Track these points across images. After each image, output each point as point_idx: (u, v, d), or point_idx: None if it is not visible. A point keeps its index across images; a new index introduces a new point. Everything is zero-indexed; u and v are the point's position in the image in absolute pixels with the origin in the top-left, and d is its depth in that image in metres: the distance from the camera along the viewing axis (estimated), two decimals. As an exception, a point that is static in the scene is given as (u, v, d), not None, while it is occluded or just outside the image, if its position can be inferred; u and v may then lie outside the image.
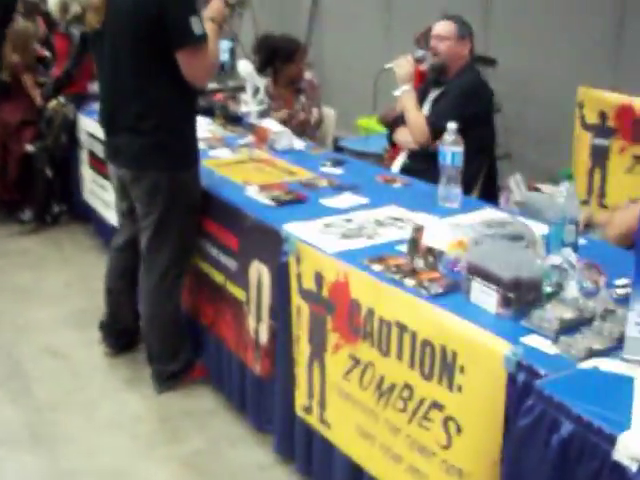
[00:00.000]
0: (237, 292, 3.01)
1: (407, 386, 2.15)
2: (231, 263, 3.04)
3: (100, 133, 4.37)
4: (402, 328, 2.13)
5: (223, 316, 3.15)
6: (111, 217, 4.63)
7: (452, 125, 2.91)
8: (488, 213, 2.89)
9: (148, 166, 3.05)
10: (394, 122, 4.17)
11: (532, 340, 1.91)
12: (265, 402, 2.98)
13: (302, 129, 4.44)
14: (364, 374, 2.31)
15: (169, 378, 3.37)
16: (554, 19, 5.55)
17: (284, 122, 4.24)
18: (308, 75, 4.70)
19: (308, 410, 2.64)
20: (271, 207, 2.95)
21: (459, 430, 2.00)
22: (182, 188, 3.09)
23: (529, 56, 5.72)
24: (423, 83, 4.22)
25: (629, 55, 5.23)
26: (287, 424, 2.81)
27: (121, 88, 3.03)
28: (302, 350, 2.62)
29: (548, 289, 2.09)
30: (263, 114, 4.36)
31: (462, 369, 1.96)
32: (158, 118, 3.02)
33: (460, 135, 3.72)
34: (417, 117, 3.84)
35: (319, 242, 2.54)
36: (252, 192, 3.09)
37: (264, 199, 3.01)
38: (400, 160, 4.06)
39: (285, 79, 4.63)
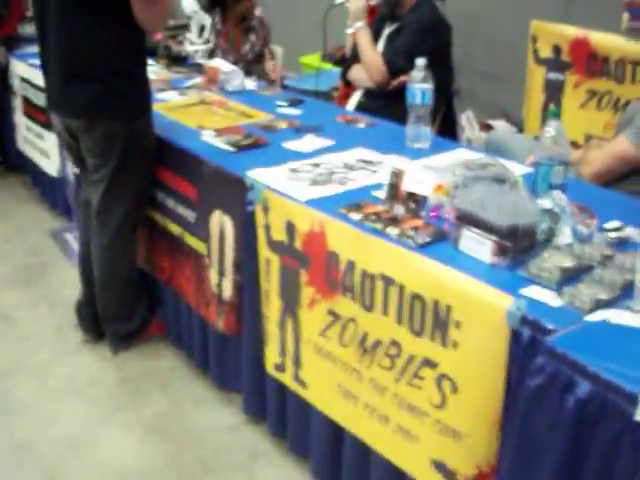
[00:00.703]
0: (197, 244, 2.81)
1: (394, 343, 2.01)
2: (189, 214, 2.83)
3: (36, 79, 4.09)
4: (388, 281, 1.97)
5: (181, 270, 2.95)
6: (48, 166, 4.37)
7: (420, 61, 2.73)
8: (461, 153, 2.74)
9: (101, 115, 2.77)
10: (347, 60, 3.98)
11: (533, 291, 1.77)
12: (229, 360, 2.83)
13: (251, 68, 4.21)
14: (344, 330, 2.16)
15: (125, 337, 3.18)
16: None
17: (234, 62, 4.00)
18: (258, 12, 4.44)
19: (280, 368, 2.48)
20: (230, 152, 2.75)
21: (455, 389, 1.87)
22: (138, 136, 2.85)
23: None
24: (375, 19, 4.02)
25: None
26: (256, 383, 2.66)
27: (67, 31, 2.73)
28: (272, 305, 2.45)
29: (542, 235, 1.96)
30: (209, 53, 4.12)
31: (458, 324, 1.82)
32: (109, 62, 2.74)
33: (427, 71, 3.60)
34: (373, 55, 3.66)
35: (288, 189, 2.36)
36: (208, 137, 2.88)
37: (222, 144, 2.80)
38: (355, 99, 3.89)
39: (235, 16, 4.37)
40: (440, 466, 1.98)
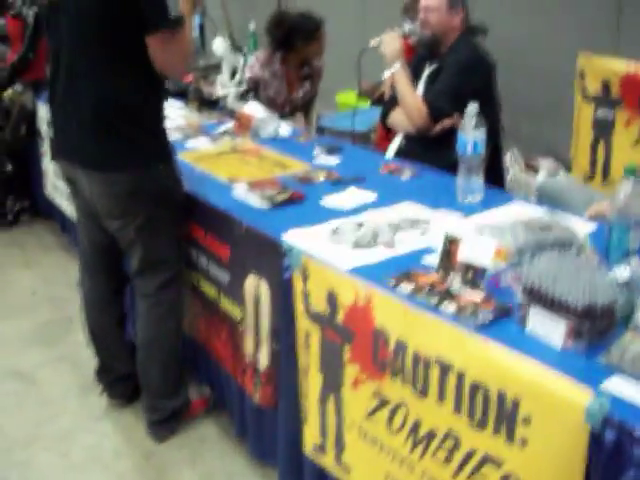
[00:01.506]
0: (232, 308, 2.60)
1: (451, 435, 1.77)
2: (222, 275, 2.62)
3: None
4: (445, 367, 1.74)
5: (218, 334, 2.74)
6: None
7: (472, 108, 2.51)
8: (516, 208, 2.51)
9: (119, 167, 2.53)
10: (386, 104, 3.77)
11: (616, 384, 1.52)
12: (267, 431, 2.60)
13: (292, 112, 4.05)
14: (394, 416, 1.93)
15: (171, 418, 2.88)
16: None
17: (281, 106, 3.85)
18: (317, 62, 4.28)
19: (320, 449, 2.25)
20: (265, 210, 2.54)
21: (523, 492, 1.63)
22: (163, 185, 2.61)
23: (521, 23, 5.35)
24: (413, 58, 3.82)
25: (630, 20, 4.87)
26: (293, 461, 2.42)
27: (79, 70, 2.51)
28: (312, 381, 2.22)
29: (620, 313, 1.72)
30: (241, 97, 3.94)
31: (526, 420, 1.58)
32: (121, 107, 2.51)
33: (461, 116, 3.38)
34: (413, 99, 3.44)
35: (329, 255, 2.14)
36: (241, 191, 2.67)
37: (255, 200, 2.59)
38: (395, 144, 3.67)
39: (299, 60, 4.20)
40: None
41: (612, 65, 4.42)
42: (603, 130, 4.59)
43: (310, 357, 2.21)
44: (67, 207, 4.34)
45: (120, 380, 3.02)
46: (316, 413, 2.23)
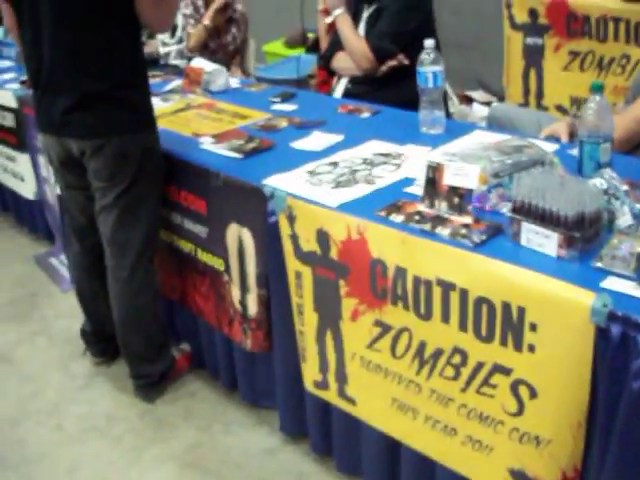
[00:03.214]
0: (212, 260, 2.63)
1: (458, 351, 1.86)
2: (200, 229, 2.64)
3: (3, 98, 3.86)
4: (447, 286, 1.82)
5: (197, 288, 2.77)
6: (24, 189, 4.14)
7: (429, 42, 2.57)
8: (481, 135, 2.59)
9: (112, 132, 2.50)
10: (327, 48, 3.79)
11: (613, 283, 1.63)
12: (259, 377, 2.67)
13: (230, 62, 4.03)
14: (397, 341, 2.01)
15: (158, 381, 2.90)
16: None
17: (212, 52, 3.81)
18: (240, 6, 4.25)
19: (322, 385, 2.33)
20: (237, 159, 2.57)
21: (534, 394, 1.73)
22: (149, 151, 2.61)
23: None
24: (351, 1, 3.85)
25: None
26: (293, 401, 2.51)
27: (68, 42, 2.43)
28: (307, 320, 2.29)
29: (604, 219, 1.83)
30: (182, 54, 3.92)
31: (533, 326, 1.68)
32: (118, 74, 2.48)
33: (404, 54, 3.44)
34: (358, 42, 3.48)
35: (313, 195, 2.19)
36: (208, 145, 2.69)
37: (225, 151, 2.62)
38: (341, 87, 3.70)
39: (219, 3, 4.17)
40: (519, 474, 1.84)
41: (538, -8, 4.53)
42: (533, 57, 4.71)
43: (303, 297, 2.27)
44: (12, 183, 4.26)
45: (106, 340, 3.04)
46: (314, 350, 2.30)
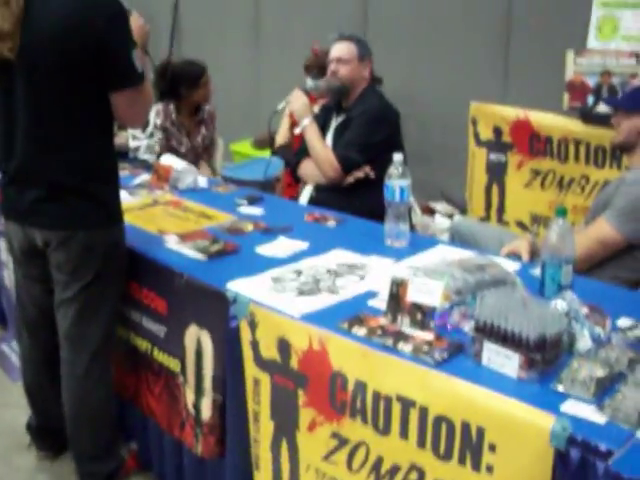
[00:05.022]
0: (168, 361, 2.59)
1: (415, 468, 1.84)
2: (158, 328, 2.61)
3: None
4: (407, 403, 1.81)
5: (150, 389, 2.71)
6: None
7: (398, 156, 2.63)
8: (443, 250, 2.63)
9: (80, 225, 2.49)
10: (296, 154, 3.84)
11: (573, 407, 1.64)
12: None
13: (198, 160, 4.09)
14: (354, 455, 1.98)
15: None
16: (436, 36, 5.47)
17: (182, 155, 3.87)
18: (208, 106, 4.34)
19: (274, 496, 2.27)
20: (201, 261, 2.57)
21: (492, 517, 1.71)
22: (115, 245, 2.59)
23: (414, 73, 5.60)
24: (320, 110, 3.95)
25: (515, 69, 5.18)
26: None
27: (41, 135, 2.44)
28: (263, 428, 2.25)
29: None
30: (151, 149, 3.96)
31: (492, 447, 1.67)
32: (89, 168, 2.49)
33: (370, 165, 3.50)
34: (325, 152, 3.56)
35: (277, 302, 2.19)
36: (173, 244, 2.69)
37: (189, 251, 2.62)
38: (307, 194, 3.74)
39: (189, 106, 4.26)
40: None
41: (502, 112, 4.70)
42: (496, 173, 4.85)
43: (260, 405, 2.24)
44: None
45: (52, 433, 2.94)
46: (268, 459, 2.26)
